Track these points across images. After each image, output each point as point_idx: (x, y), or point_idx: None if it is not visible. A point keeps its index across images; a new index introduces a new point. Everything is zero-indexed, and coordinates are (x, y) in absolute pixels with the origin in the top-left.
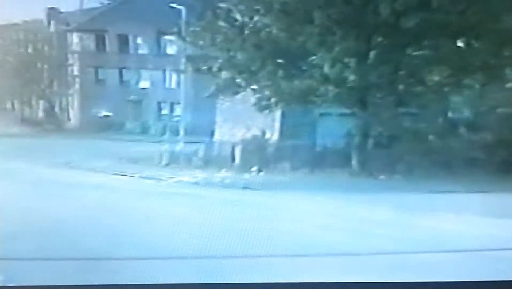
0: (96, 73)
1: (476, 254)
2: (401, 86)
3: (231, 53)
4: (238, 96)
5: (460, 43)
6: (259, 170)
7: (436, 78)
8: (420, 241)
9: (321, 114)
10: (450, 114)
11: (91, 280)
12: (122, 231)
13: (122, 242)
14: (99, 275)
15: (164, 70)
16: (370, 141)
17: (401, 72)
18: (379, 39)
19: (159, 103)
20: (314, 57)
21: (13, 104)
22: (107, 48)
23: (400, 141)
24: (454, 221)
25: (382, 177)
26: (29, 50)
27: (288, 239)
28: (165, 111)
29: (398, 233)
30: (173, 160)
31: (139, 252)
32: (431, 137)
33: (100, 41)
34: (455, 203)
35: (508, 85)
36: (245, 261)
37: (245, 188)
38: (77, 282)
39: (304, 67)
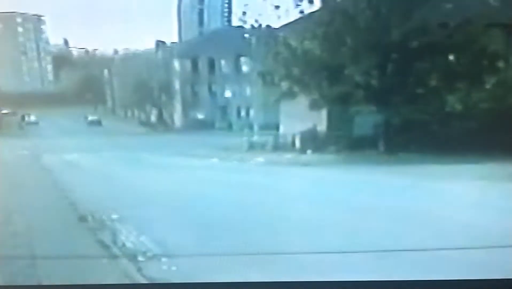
0: (192, 88)
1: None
2: (410, 89)
3: (289, 69)
4: (296, 100)
5: (450, 58)
6: (313, 152)
7: (434, 83)
8: (430, 198)
9: (356, 112)
10: (446, 109)
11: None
12: (225, 197)
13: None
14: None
15: (241, 84)
16: (391, 130)
17: (410, 79)
18: (394, 55)
19: (238, 107)
20: (347, 70)
21: (133, 113)
22: (200, 69)
23: (412, 129)
24: (453, 182)
25: (401, 154)
26: (143, 72)
27: (334, 196)
28: (243, 113)
29: (414, 194)
30: (251, 147)
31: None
32: (433, 125)
33: (194, 64)
34: (453, 171)
35: (487, 86)
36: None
37: (304, 165)
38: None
39: (341, 78)
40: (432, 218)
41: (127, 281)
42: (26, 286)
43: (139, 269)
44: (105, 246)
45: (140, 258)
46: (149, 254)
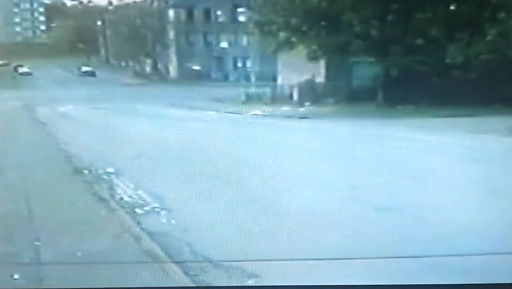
0: (187, 38)
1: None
2: (410, 40)
3: (287, 18)
4: (294, 51)
5: (452, 7)
6: (311, 104)
7: (434, 34)
8: (428, 151)
9: (354, 62)
10: (447, 60)
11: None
12: (221, 150)
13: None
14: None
15: (238, 34)
16: (390, 81)
17: (410, 29)
18: (394, 4)
19: (235, 58)
20: (346, 19)
21: (127, 63)
22: (195, 18)
23: (411, 81)
24: (447, 134)
25: (399, 106)
26: (137, 22)
27: (331, 150)
28: (239, 64)
29: (412, 146)
30: (248, 99)
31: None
32: (433, 77)
33: (190, 14)
34: (450, 124)
35: (487, 38)
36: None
37: (301, 117)
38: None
39: (340, 27)
40: (429, 170)
41: (126, 236)
42: None
43: (138, 223)
44: (102, 200)
45: (138, 211)
46: (147, 207)
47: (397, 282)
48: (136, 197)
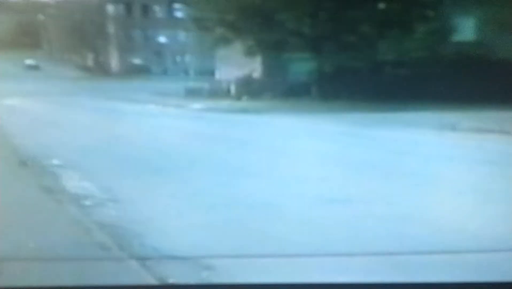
0: (127, 32)
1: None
2: (343, 37)
3: (222, 15)
4: (232, 47)
5: (382, 6)
6: (248, 98)
7: (366, 31)
8: (360, 144)
9: (290, 58)
10: (378, 57)
11: None
12: (163, 142)
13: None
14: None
15: (177, 29)
16: (324, 77)
17: (342, 27)
18: (326, 3)
19: (174, 53)
20: (280, 16)
21: (70, 57)
22: (133, 14)
23: (344, 77)
24: (379, 128)
25: (333, 101)
26: (79, 17)
27: (268, 141)
28: (178, 59)
29: (345, 139)
30: (188, 93)
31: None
32: (365, 73)
33: (128, 9)
34: (381, 118)
35: (417, 36)
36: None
37: (239, 111)
38: None
39: (275, 25)
40: (362, 162)
41: (75, 228)
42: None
43: (88, 214)
44: (48, 191)
45: (86, 203)
46: (93, 199)
47: (389, 280)
48: (81, 188)
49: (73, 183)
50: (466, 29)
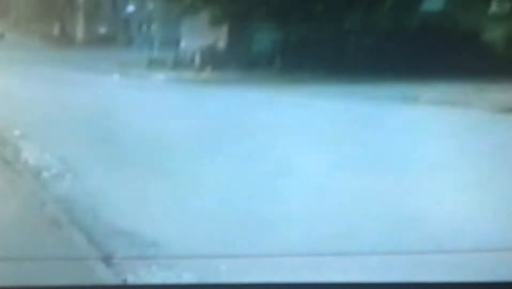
0: (96, 1)
1: None
2: (309, 7)
3: None
4: (198, 16)
5: None
6: (212, 70)
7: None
8: (319, 116)
9: (256, 28)
10: (344, 27)
11: None
12: (123, 114)
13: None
14: None
15: None
16: (289, 48)
17: None
18: None
19: (140, 22)
20: None
21: (36, 27)
22: None
23: (309, 48)
24: (342, 101)
25: (296, 73)
26: None
27: (227, 114)
28: (144, 28)
29: (304, 112)
30: (151, 63)
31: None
32: (330, 44)
33: None
34: (345, 91)
35: (382, 6)
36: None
37: (203, 82)
38: None
39: None
40: (318, 134)
41: (33, 201)
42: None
43: (44, 187)
44: (7, 162)
45: (44, 174)
46: (53, 170)
47: (387, 279)
48: (42, 160)
49: (33, 154)
50: (433, 0)
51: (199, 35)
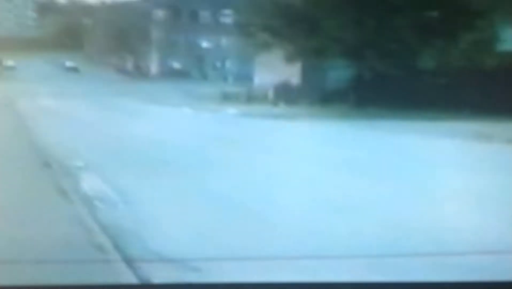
0: (171, 37)
1: None
2: (384, 45)
3: (266, 20)
4: (271, 53)
5: (428, 14)
6: (286, 105)
7: (409, 39)
8: (396, 152)
9: (330, 65)
10: (419, 65)
11: None
12: (194, 147)
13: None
14: None
15: (219, 34)
16: (363, 84)
17: (385, 34)
18: (371, 10)
19: (214, 58)
20: (325, 22)
21: (110, 60)
22: (179, 18)
23: (383, 84)
24: (419, 138)
25: (371, 108)
26: (122, 20)
27: (304, 150)
28: (218, 64)
29: (381, 148)
30: (225, 98)
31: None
32: (405, 81)
33: (175, 13)
34: (419, 127)
35: (462, 45)
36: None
37: (276, 117)
38: None
39: (318, 31)
40: (398, 170)
41: (78, 227)
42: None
43: (93, 214)
44: (63, 192)
45: (96, 204)
46: (107, 200)
47: (390, 280)
48: (99, 191)
49: (91, 185)
50: (510, 39)
51: (272, 71)
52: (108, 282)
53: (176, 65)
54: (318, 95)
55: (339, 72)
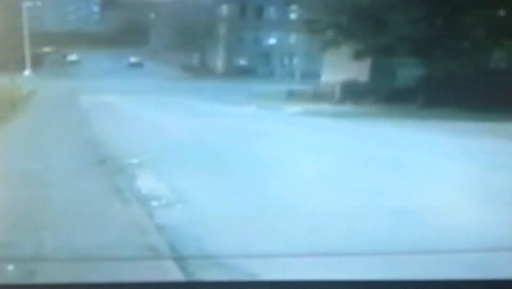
0: (237, 34)
1: None
2: (455, 43)
3: (335, 17)
4: (340, 50)
5: (500, 12)
6: (352, 103)
7: (481, 38)
8: (465, 157)
9: (399, 63)
10: (491, 65)
11: None
12: (255, 147)
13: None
14: None
15: (286, 32)
16: (432, 83)
17: (456, 33)
18: (442, 7)
19: (282, 55)
20: (394, 20)
21: (175, 56)
22: (247, 15)
23: (453, 84)
24: (491, 140)
25: (439, 108)
26: (189, 17)
27: (366, 150)
28: (286, 61)
29: (448, 151)
30: (290, 96)
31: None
32: (476, 81)
33: (242, 10)
34: (489, 128)
35: None
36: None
37: (341, 116)
38: None
39: (387, 28)
40: (466, 177)
41: (135, 228)
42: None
43: (150, 215)
44: (118, 190)
45: (153, 204)
46: (163, 200)
47: (389, 278)
48: (155, 189)
49: (147, 183)
50: None
51: (340, 69)
52: (156, 280)
53: (242, 62)
54: (385, 94)
55: (407, 71)
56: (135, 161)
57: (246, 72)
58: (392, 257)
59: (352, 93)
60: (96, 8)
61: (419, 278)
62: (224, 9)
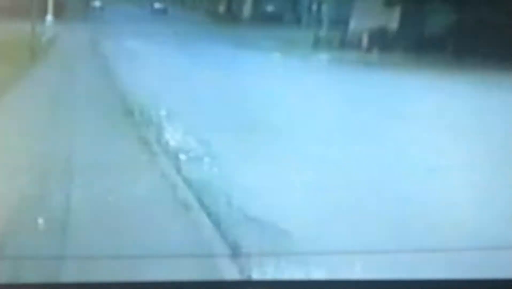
0: None
1: None
2: None
3: None
4: None
5: None
6: (380, 52)
7: None
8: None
9: (430, 11)
10: None
11: None
12: (280, 97)
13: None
14: None
15: None
16: (465, 32)
17: None
18: None
19: (309, 1)
20: None
21: (201, 2)
22: None
23: (488, 33)
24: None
25: (471, 59)
26: None
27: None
28: (314, 7)
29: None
30: (317, 43)
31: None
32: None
33: None
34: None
35: None
36: None
37: (367, 64)
38: None
39: None
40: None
41: (164, 181)
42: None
43: (179, 169)
44: (146, 143)
45: (181, 157)
46: (191, 153)
47: (389, 277)
48: (183, 142)
49: (175, 136)
50: None
51: (369, 16)
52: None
53: (269, 8)
54: (415, 43)
55: (438, 19)
56: (163, 112)
57: (272, 19)
58: (392, 256)
59: (380, 42)
60: None
61: (419, 278)
62: None
